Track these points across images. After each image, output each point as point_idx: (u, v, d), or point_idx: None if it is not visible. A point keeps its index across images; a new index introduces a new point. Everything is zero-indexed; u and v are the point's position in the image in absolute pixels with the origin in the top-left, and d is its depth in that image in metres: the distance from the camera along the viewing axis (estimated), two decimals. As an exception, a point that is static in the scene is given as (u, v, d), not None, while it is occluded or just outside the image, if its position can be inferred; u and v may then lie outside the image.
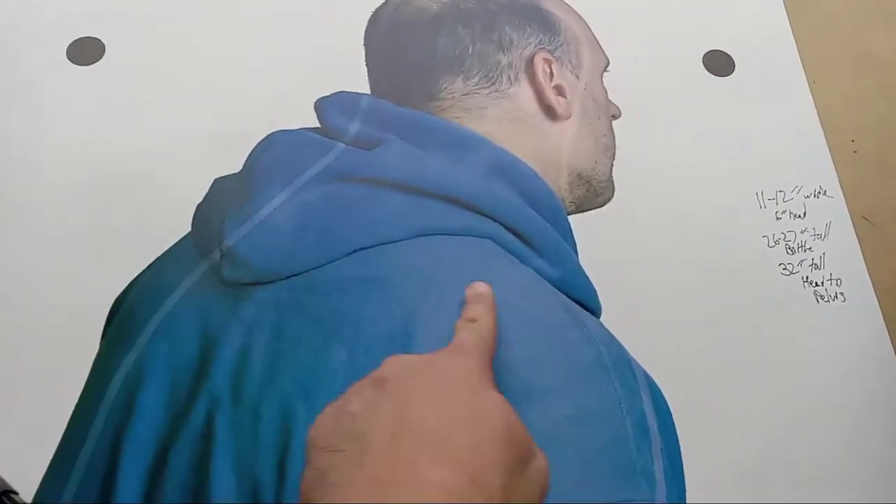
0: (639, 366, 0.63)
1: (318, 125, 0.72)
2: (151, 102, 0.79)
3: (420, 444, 0.44)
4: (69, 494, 0.62)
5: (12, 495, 0.56)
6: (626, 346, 0.64)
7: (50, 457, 0.65)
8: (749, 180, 0.78)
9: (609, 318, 0.68)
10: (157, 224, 0.71)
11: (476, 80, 0.73)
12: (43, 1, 0.81)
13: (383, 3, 0.79)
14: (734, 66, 0.86)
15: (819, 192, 0.78)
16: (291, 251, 0.64)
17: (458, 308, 0.60)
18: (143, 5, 0.82)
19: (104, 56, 0.79)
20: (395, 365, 0.51)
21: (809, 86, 0.85)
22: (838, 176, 0.80)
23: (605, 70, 0.81)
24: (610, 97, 0.80)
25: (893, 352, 0.71)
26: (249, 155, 0.70)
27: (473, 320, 0.57)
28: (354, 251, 0.64)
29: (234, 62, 0.81)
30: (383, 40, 0.79)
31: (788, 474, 0.66)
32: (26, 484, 0.58)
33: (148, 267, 0.70)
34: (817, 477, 0.66)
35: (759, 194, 0.78)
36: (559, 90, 0.75)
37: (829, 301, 0.73)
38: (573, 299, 0.66)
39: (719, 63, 0.86)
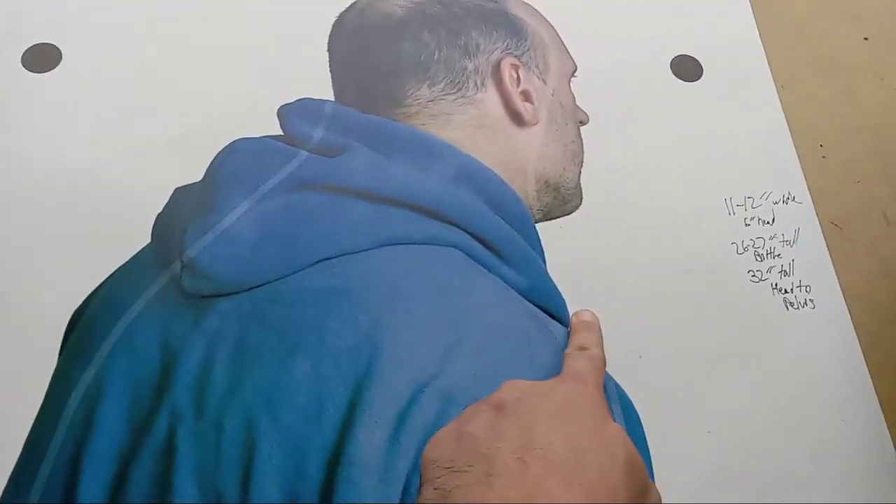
0: (609, 376, 0.62)
1: (281, 133, 0.71)
2: (109, 110, 0.77)
3: (548, 468, 0.45)
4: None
5: None
6: (595, 355, 0.63)
7: (9, 472, 0.64)
8: (717, 186, 0.78)
9: (578, 328, 0.67)
10: (115, 234, 0.69)
11: (442, 85, 0.73)
12: (-3, 8, 0.79)
13: (348, 7, 0.78)
14: (702, 71, 0.86)
15: (788, 198, 0.78)
16: (254, 262, 0.62)
17: (424, 318, 0.60)
18: (100, 12, 0.80)
19: (61, 63, 0.78)
20: (513, 390, 0.52)
21: (777, 91, 0.85)
22: (807, 181, 0.80)
23: (572, 75, 0.80)
24: (578, 103, 0.79)
25: (863, 358, 0.71)
26: (211, 163, 0.68)
27: (584, 348, 0.58)
28: (318, 261, 0.62)
29: (193, 68, 0.80)
30: (348, 45, 0.78)
31: (758, 480, 0.66)
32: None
33: (107, 279, 0.69)
34: (787, 482, 0.66)
35: (728, 200, 0.78)
36: (526, 95, 0.74)
37: (798, 308, 0.73)
38: (541, 308, 0.66)
39: (687, 68, 0.85)
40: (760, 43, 0.87)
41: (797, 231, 0.77)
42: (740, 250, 0.75)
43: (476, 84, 0.73)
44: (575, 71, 0.80)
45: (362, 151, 0.67)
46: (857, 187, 0.81)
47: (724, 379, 0.69)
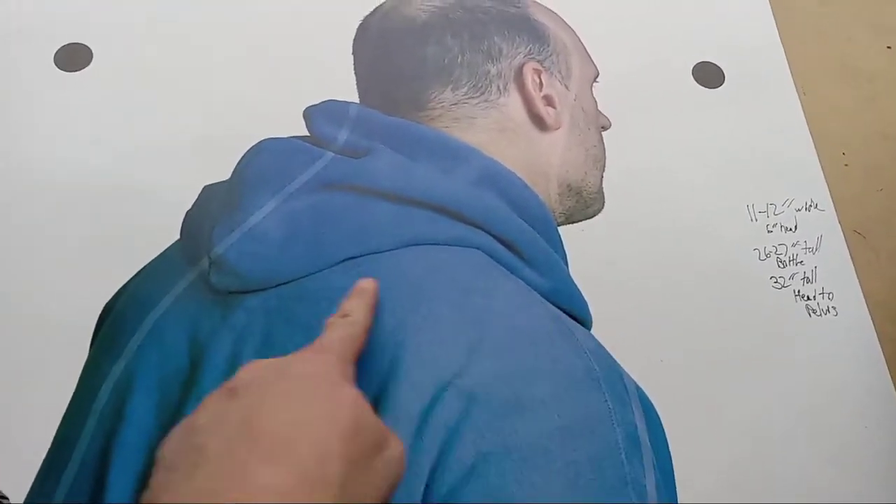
0: (630, 378, 0.63)
1: (306, 133, 0.72)
2: (139, 108, 0.78)
3: (254, 448, 0.44)
4: (59, 500, 0.62)
5: (3, 500, 0.55)
6: (617, 358, 0.64)
7: (39, 463, 0.64)
8: (739, 192, 0.78)
9: (600, 330, 0.67)
10: (144, 231, 0.70)
11: (465, 89, 0.73)
12: (31, 8, 0.80)
13: (372, 12, 0.79)
14: (724, 77, 0.86)
15: (810, 206, 0.79)
16: (280, 260, 0.63)
17: (447, 318, 0.60)
18: (130, 12, 0.82)
19: (92, 62, 0.79)
20: (248, 371, 0.50)
21: (799, 98, 0.85)
22: (829, 189, 0.80)
23: (594, 81, 0.80)
24: (600, 108, 0.79)
25: (885, 365, 0.71)
26: (238, 162, 0.69)
27: (345, 315, 0.57)
28: (343, 260, 0.63)
29: (222, 69, 0.81)
30: (372, 49, 0.79)
31: (778, 485, 0.66)
32: (16, 488, 0.58)
33: (136, 274, 0.70)
34: (808, 488, 0.66)
35: (750, 207, 0.78)
36: (548, 100, 0.75)
37: (820, 315, 0.73)
38: (563, 310, 0.66)
39: (709, 75, 0.86)
40: (782, 50, 0.88)
41: (820, 238, 0.77)
42: (762, 256, 0.75)
43: (499, 88, 0.74)
44: (597, 76, 0.81)
45: (387, 153, 0.68)
46: (879, 195, 0.81)
47: (745, 384, 0.69)
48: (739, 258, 0.75)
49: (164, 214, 0.70)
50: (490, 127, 0.73)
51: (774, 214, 0.78)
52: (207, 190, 0.71)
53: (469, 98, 0.73)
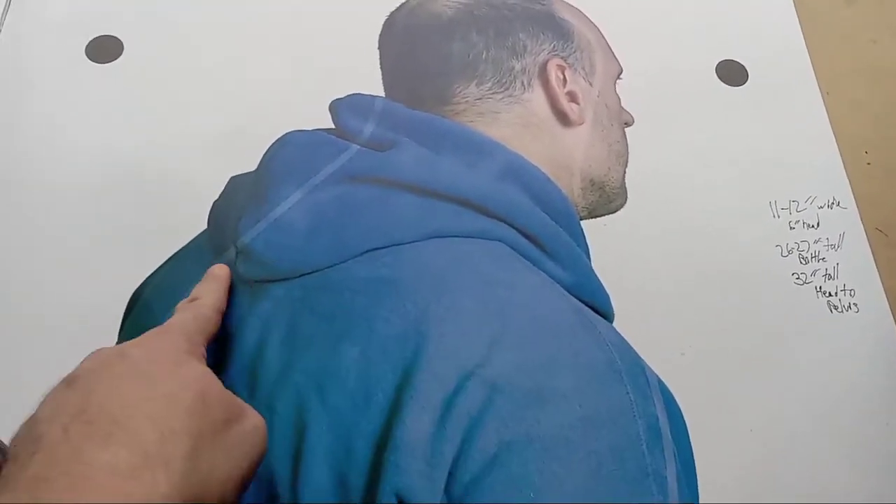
0: (652, 371, 0.63)
1: (332, 126, 0.73)
2: (168, 100, 0.79)
3: (91, 430, 0.43)
4: None
5: None
6: (639, 352, 0.64)
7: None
8: (762, 189, 0.78)
9: (622, 323, 0.68)
10: (172, 221, 0.71)
11: (489, 85, 0.74)
12: (63, 1, 0.81)
13: (398, 7, 0.80)
14: (747, 76, 0.86)
15: (833, 203, 0.78)
16: (305, 250, 0.64)
17: (470, 309, 0.60)
18: (160, 5, 0.83)
19: (122, 54, 0.80)
20: (90, 360, 0.50)
21: (823, 97, 0.85)
22: (852, 187, 0.80)
23: (618, 78, 0.81)
24: (623, 105, 0.80)
25: (906, 361, 0.71)
26: (265, 154, 0.70)
27: (194, 299, 0.58)
28: (367, 251, 0.64)
29: (250, 62, 0.82)
30: (398, 44, 0.79)
31: (798, 481, 0.66)
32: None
33: (164, 263, 0.71)
34: (828, 486, 0.66)
35: (773, 204, 0.78)
36: (572, 96, 0.75)
37: (842, 311, 0.73)
38: (586, 304, 0.66)
39: (732, 73, 0.86)
40: (806, 50, 0.88)
41: (842, 235, 0.77)
42: (784, 253, 0.75)
43: (523, 84, 0.74)
44: (621, 73, 0.81)
45: (412, 146, 0.68)
46: (902, 194, 0.81)
47: (766, 379, 0.69)
48: (761, 254, 0.75)
49: (192, 205, 0.71)
50: (514, 122, 0.73)
51: (797, 212, 0.78)
52: (234, 181, 0.72)
53: (493, 93, 0.73)
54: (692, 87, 0.85)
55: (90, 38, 0.81)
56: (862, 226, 0.78)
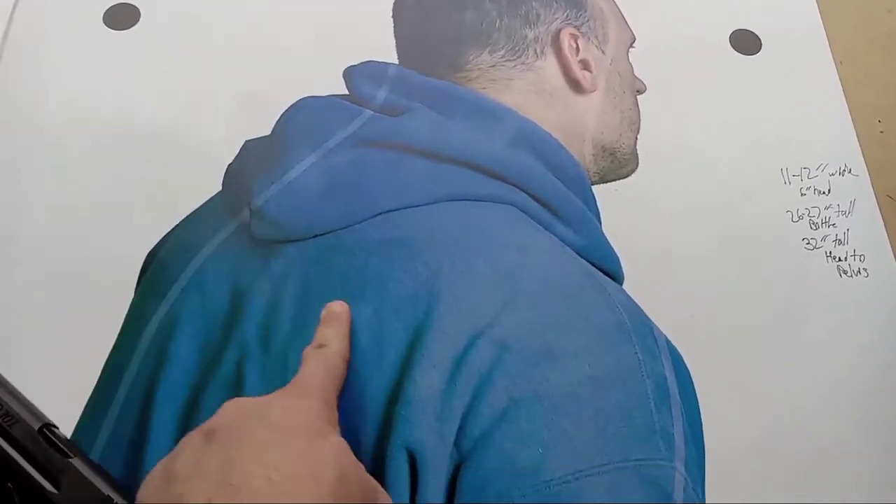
0: (660, 332, 0.64)
1: (346, 92, 0.74)
2: (184, 67, 0.80)
3: None
4: (105, 432, 0.64)
5: (53, 429, 0.57)
6: (648, 314, 0.65)
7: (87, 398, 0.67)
8: (774, 157, 0.79)
9: (632, 286, 0.69)
10: (188, 184, 0.72)
11: (502, 52, 0.74)
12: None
13: (412, -24, 0.81)
14: (761, 45, 0.86)
15: (844, 171, 0.78)
16: (318, 211, 0.65)
17: (482, 271, 0.61)
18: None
19: (139, 21, 0.81)
20: (228, 413, 0.49)
21: (836, 66, 0.85)
22: (863, 155, 0.80)
23: (631, 46, 0.81)
24: (636, 73, 0.80)
25: (916, 326, 0.71)
26: (279, 119, 0.72)
27: (321, 345, 0.56)
28: (380, 214, 0.65)
29: (266, 29, 0.82)
30: (412, 13, 0.80)
31: (806, 446, 0.66)
32: (66, 420, 0.60)
33: (178, 224, 0.72)
34: (835, 450, 0.66)
35: (784, 171, 0.78)
36: (585, 64, 0.76)
37: (851, 276, 0.73)
38: (596, 266, 0.67)
39: (746, 42, 0.86)
40: (820, 19, 0.88)
41: (853, 202, 0.77)
42: (795, 218, 0.76)
43: (536, 52, 0.75)
44: (633, 42, 0.81)
45: (425, 112, 0.69)
46: (914, 162, 0.81)
47: (774, 341, 0.69)
48: (772, 219, 0.75)
49: (207, 168, 0.72)
50: (526, 89, 0.74)
51: (808, 178, 0.78)
52: (248, 145, 0.73)
53: (506, 61, 0.74)
54: (705, 55, 0.85)
55: (108, 6, 0.82)
56: (873, 193, 0.78)
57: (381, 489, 0.50)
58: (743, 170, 0.78)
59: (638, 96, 0.80)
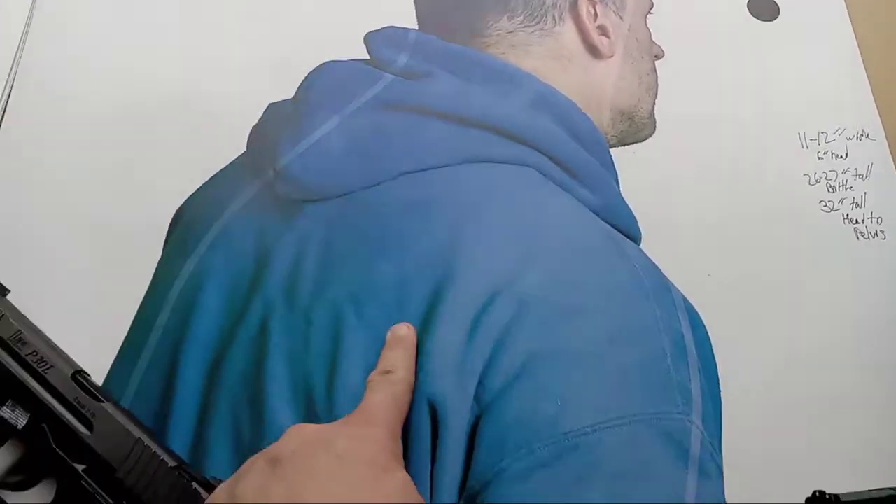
0: (678, 291, 0.65)
1: (367, 57, 0.75)
2: (209, 30, 0.81)
3: None
4: (135, 383, 0.66)
5: (85, 375, 0.59)
6: (666, 273, 0.66)
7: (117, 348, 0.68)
8: (791, 121, 0.79)
9: (649, 246, 0.69)
10: (213, 145, 0.73)
11: (521, 18, 0.75)
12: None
13: (432, -58, 0.81)
14: (779, 10, 0.86)
15: (861, 135, 0.79)
16: (341, 172, 0.66)
17: (501, 230, 0.62)
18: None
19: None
20: (294, 440, 0.49)
21: (854, 31, 0.85)
22: (881, 119, 0.80)
23: (648, 12, 0.81)
24: (654, 39, 0.81)
25: (931, 287, 0.71)
26: (302, 83, 0.73)
27: (387, 371, 0.55)
28: (401, 174, 0.66)
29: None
30: (431, -21, 0.81)
31: (818, 399, 0.66)
32: (95, 373, 0.62)
33: (205, 183, 0.74)
34: (845, 404, 0.67)
35: (802, 135, 0.78)
36: (603, 30, 0.76)
37: (869, 238, 0.73)
38: (614, 226, 0.68)
39: (764, 7, 0.86)
40: (838, -16, 0.88)
41: (870, 166, 0.77)
42: (812, 182, 0.76)
43: (554, 18, 0.75)
44: (652, 8, 0.82)
45: (445, 76, 0.70)
46: (932, 126, 0.81)
47: (791, 301, 0.70)
48: (789, 182, 0.75)
49: (232, 129, 0.74)
50: (545, 54, 0.74)
51: (826, 142, 0.78)
52: (273, 107, 0.74)
53: (525, 27, 0.75)
54: (723, 21, 0.85)
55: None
56: (891, 157, 0.78)
57: None
58: (760, 134, 0.78)
59: (656, 62, 0.80)
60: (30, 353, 0.59)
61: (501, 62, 0.73)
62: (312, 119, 0.68)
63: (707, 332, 0.64)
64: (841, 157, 0.78)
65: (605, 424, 0.54)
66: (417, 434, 0.56)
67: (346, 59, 0.75)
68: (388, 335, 0.58)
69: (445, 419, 0.56)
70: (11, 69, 0.80)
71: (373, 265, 0.62)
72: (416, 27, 0.78)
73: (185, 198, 0.73)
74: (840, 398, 0.67)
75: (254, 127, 0.74)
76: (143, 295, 0.69)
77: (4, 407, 0.58)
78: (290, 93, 0.73)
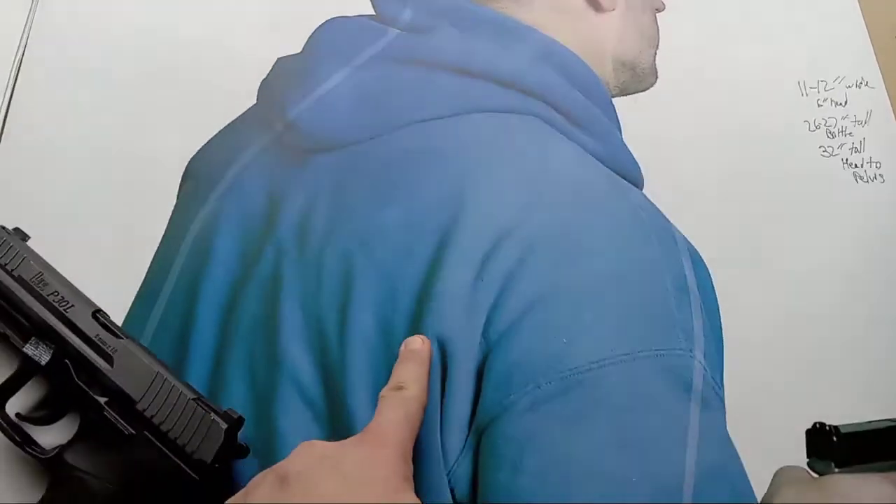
0: (680, 233, 0.66)
1: (372, 13, 0.76)
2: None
3: None
4: (153, 324, 0.68)
5: (105, 314, 0.62)
6: (668, 217, 0.67)
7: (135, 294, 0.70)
8: (790, 70, 0.79)
9: (651, 190, 0.70)
10: (225, 97, 0.75)
11: None
12: None
13: None
14: (778, -39, 0.87)
15: (861, 83, 0.79)
16: (349, 122, 0.68)
17: (507, 176, 0.64)
18: None
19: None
20: (303, 459, 0.49)
21: (853, -21, 0.86)
22: (880, 68, 0.81)
23: (650, -35, 0.82)
24: (655, -7, 0.82)
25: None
26: (310, 38, 0.75)
27: (400, 387, 0.54)
28: (408, 124, 0.67)
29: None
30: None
31: (819, 337, 0.67)
32: (114, 315, 0.64)
33: (217, 135, 0.75)
34: (845, 339, 0.68)
35: (801, 83, 0.79)
36: (604, -16, 0.77)
37: (868, 181, 0.74)
38: (617, 172, 0.69)
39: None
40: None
41: (869, 112, 0.78)
42: (812, 128, 0.77)
43: None
44: (653, -39, 0.82)
45: (448, 30, 0.71)
46: (929, 73, 0.82)
47: (791, 244, 0.71)
48: (788, 128, 0.76)
49: (243, 83, 0.75)
50: (547, 8, 0.75)
51: (825, 90, 0.79)
52: (281, 62, 0.75)
53: None
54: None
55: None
56: (889, 104, 0.79)
57: None
58: (760, 82, 0.79)
59: (657, 14, 0.81)
60: (51, 294, 0.61)
61: (504, 17, 0.74)
62: (320, 73, 0.70)
63: (709, 272, 0.66)
64: (840, 104, 0.78)
65: (610, 360, 0.55)
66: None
67: (351, 15, 0.76)
68: (402, 348, 0.58)
69: (454, 356, 0.57)
70: (28, 15, 0.81)
71: (382, 212, 0.64)
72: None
73: (199, 148, 0.75)
74: (840, 336, 0.68)
75: (263, 81, 0.75)
76: (158, 242, 0.71)
77: (28, 344, 0.61)
78: (298, 48, 0.75)
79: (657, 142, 0.73)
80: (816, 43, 0.82)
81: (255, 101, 0.75)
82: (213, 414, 0.58)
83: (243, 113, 0.75)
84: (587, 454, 0.53)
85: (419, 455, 0.55)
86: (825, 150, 0.76)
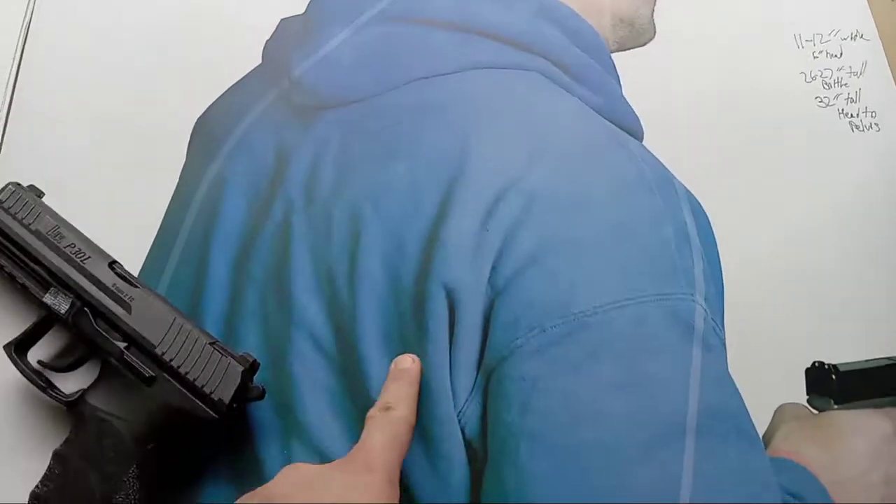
0: (680, 183, 0.67)
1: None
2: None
3: None
4: (167, 279, 0.70)
5: (119, 265, 0.63)
6: (668, 167, 0.68)
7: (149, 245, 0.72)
8: (786, 23, 0.80)
9: (651, 142, 0.72)
10: (231, 57, 0.76)
11: None
12: None
13: None
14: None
15: (856, 35, 0.80)
16: (353, 80, 0.69)
17: (510, 130, 0.65)
18: None
19: None
20: (288, 482, 0.48)
21: (849, -66, 0.86)
22: (875, 21, 0.81)
23: (648, -78, 0.83)
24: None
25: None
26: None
27: (388, 407, 0.54)
28: (411, 81, 0.68)
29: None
30: None
31: (816, 279, 0.69)
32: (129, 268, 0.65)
33: (224, 93, 0.77)
34: (841, 279, 0.69)
35: (797, 36, 0.80)
36: (601, -59, 0.78)
37: (864, 130, 0.75)
38: (617, 125, 0.70)
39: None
40: None
41: (864, 64, 0.79)
42: (808, 79, 0.78)
43: None
44: (650, -82, 0.83)
45: None
46: (925, 26, 0.82)
47: (789, 192, 0.72)
48: (785, 79, 0.77)
49: (247, 43, 0.76)
50: None
51: (821, 43, 0.80)
52: (285, 22, 0.76)
53: None
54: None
55: None
56: (884, 55, 0.80)
57: None
58: (756, 36, 0.80)
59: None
60: (68, 246, 0.63)
61: (503, -26, 0.75)
62: (323, 32, 0.71)
63: (708, 220, 0.67)
64: (836, 56, 0.79)
65: (614, 305, 0.56)
66: (436, 317, 0.59)
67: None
68: (392, 366, 0.58)
69: (462, 302, 0.59)
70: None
71: (387, 165, 0.65)
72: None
73: (207, 105, 0.76)
74: (835, 276, 0.70)
75: (268, 41, 0.76)
76: (169, 198, 0.73)
77: (47, 295, 0.62)
78: (301, 9, 0.76)
79: (656, 95, 0.75)
80: (813, -1, 0.83)
81: (260, 61, 0.77)
82: (229, 357, 0.59)
83: (249, 72, 0.77)
84: (593, 395, 0.54)
85: (430, 396, 0.57)
86: (821, 101, 0.77)
